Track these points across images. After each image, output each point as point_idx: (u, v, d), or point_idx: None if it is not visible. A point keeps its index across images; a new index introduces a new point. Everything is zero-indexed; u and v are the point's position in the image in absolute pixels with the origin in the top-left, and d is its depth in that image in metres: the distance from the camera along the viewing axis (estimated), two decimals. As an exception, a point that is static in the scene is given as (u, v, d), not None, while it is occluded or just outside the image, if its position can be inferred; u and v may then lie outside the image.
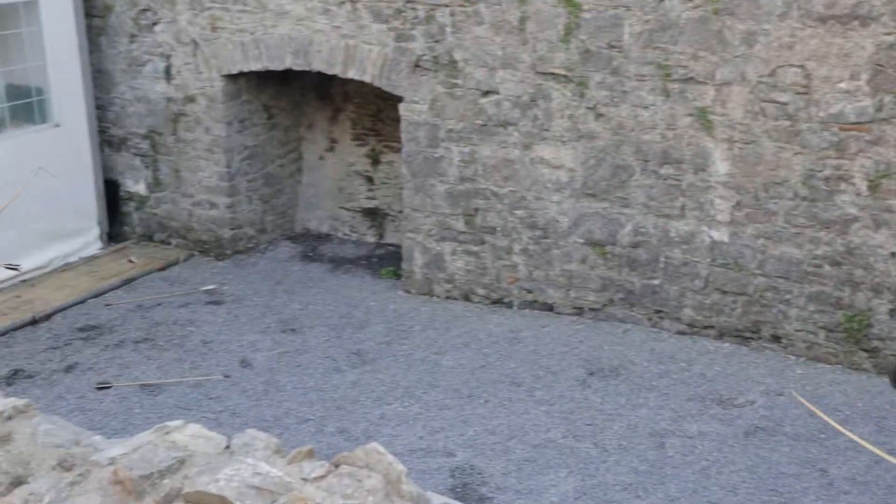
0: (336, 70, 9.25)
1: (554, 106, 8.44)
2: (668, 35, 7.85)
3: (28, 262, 9.68)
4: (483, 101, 8.71)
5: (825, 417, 6.77)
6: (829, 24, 7.23)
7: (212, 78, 9.93)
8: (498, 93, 8.64)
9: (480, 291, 9.29)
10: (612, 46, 8.07)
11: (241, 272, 10.13)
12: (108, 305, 9.27)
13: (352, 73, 9.19)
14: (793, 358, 8.16)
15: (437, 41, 8.73)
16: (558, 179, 8.63)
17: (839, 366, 8.01)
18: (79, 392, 7.71)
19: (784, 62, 7.46)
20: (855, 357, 7.91)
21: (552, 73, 8.36)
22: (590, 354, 8.30)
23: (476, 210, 9.06)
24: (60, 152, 9.95)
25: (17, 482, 2.91)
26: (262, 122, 10.45)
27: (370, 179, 10.82)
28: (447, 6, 8.58)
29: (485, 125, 8.77)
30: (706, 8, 7.62)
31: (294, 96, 10.73)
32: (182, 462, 2.73)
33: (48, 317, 8.97)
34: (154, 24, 10.08)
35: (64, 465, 2.92)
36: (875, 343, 7.80)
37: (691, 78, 7.86)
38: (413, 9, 8.74)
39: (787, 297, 8.02)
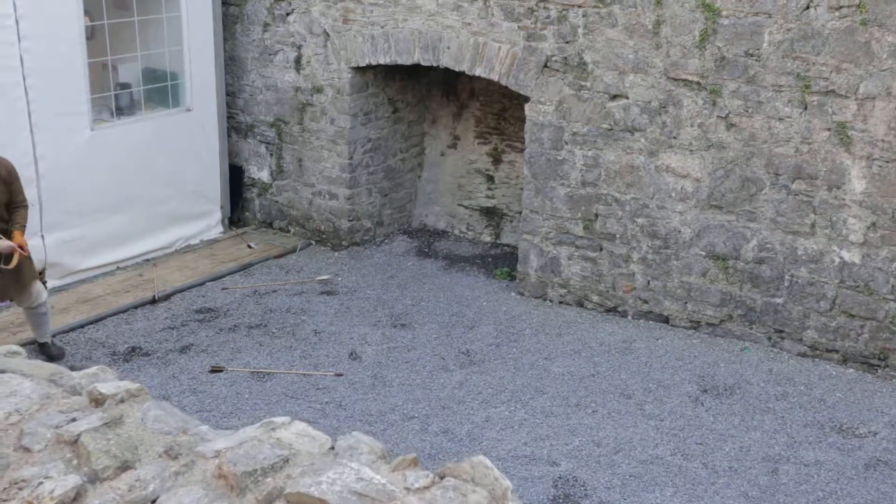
0: (464, 67, 9.20)
1: (684, 113, 8.19)
2: (810, 45, 7.52)
3: (151, 243, 9.94)
4: (611, 105, 8.52)
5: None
6: None
7: (340, 69, 10.00)
8: (627, 97, 8.44)
9: (595, 298, 9.10)
10: (750, 54, 7.78)
11: (356, 264, 10.19)
12: (224, 289, 9.44)
13: (479, 71, 9.11)
14: (924, 390, 7.74)
15: (567, 42, 8.58)
16: (683, 189, 8.38)
17: (975, 402, 7.55)
18: (192, 373, 7.86)
19: (934, 79, 7.07)
20: None
21: (684, 80, 8.12)
22: (704, 371, 8.04)
23: (596, 215, 8.88)
24: (190, 136, 10.18)
25: (125, 467, 2.93)
26: (386, 116, 10.48)
27: (490, 178, 10.74)
28: (580, 7, 8.42)
29: (611, 130, 8.58)
30: (853, 18, 7.27)
31: (420, 91, 10.73)
32: (286, 461, 2.69)
33: (167, 297, 9.18)
34: (288, 14, 10.21)
35: (170, 454, 2.92)
36: None
37: (832, 91, 7.51)
38: (545, 8, 8.61)
39: (921, 326, 7.61)
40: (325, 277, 9.76)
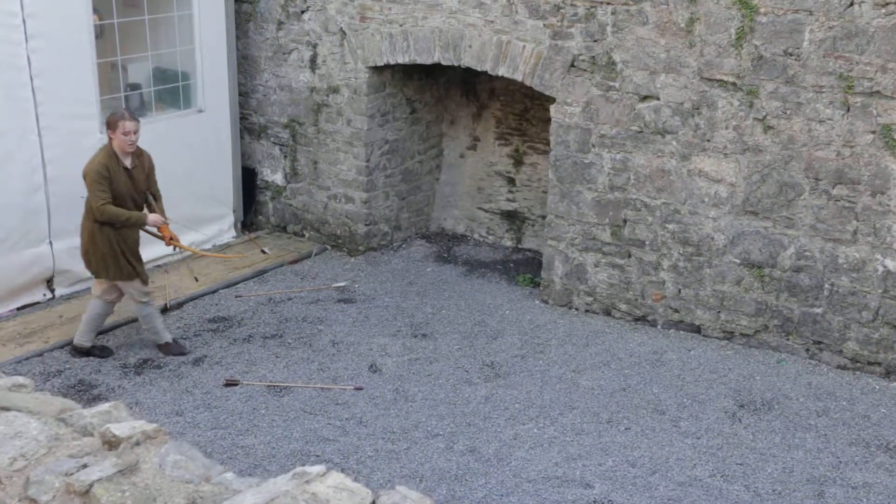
0: (486, 67, 8.85)
1: (719, 115, 7.84)
2: (853, 43, 7.16)
3: (162, 248, 9.59)
4: (641, 106, 8.17)
5: None
6: None
7: (357, 69, 9.66)
8: (658, 98, 8.08)
9: (623, 307, 8.76)
10: (789, 54, 7.42)
11: (373, 270, 9.86)
12: (238, 297, 9.12)
13: (502, 71, 8.77)
14: (970, 405, 7.38)
15: (595, 41, 8.23)
16: (717, 194, 8.03)
17: None
18: (205, 387, 7.54)
19: None
20: None
21: (719, 80, 7.77)
22: (740, 384, 7.70)
23: (624, 221, 8.54)
24: (202, 138, 9.86)
25: (142, 527, 2.60)
26: (404, 117, 10.14)
27: (511, 181, 10.40)
28: (609, 4, 8.07)
29: (640, 132, 8.24)
30: (901, 15, 6.91)
31: (438, 91, 10.39)
32: (325, 527, 2.36)
33: (180, 305, 8.86)
34: (303, 11, 9.88)
35: (193, 512, 2.60)
36: None
37: (877, 92, 7.15)
38: (572, 5, 8.26)
39: (969, 338, 7.25)
40: (342, 284, 9.43)
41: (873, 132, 7.26)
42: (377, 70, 9.67)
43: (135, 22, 9.27)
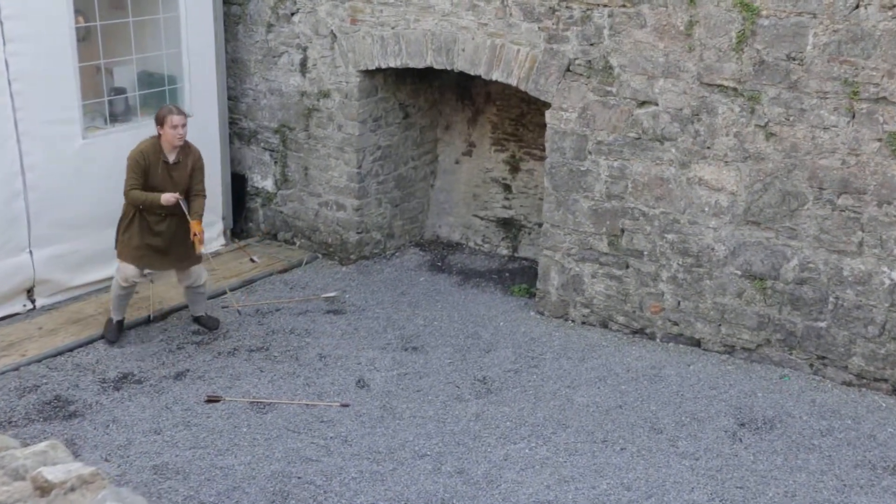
0: (479, 71, 8.58)
1: (719, 121, 7.56)
2: (859, 47, 6.86)
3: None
4: (638, 112, 7.89)
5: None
6: None
7: (348, 73, 9.40)
8: (656, 104, 7.80)
9: (620, 319, 8.48)
10: (792, 58, 7.13)
11: (364, 279, 9.58)
12: (224, 307, 8.85)
13: (496, 75, 8.49)
14: (982, 424, 7.09)
15: (592, 44, 7.95)
16: (717, 203, 7.75)
17: None
18: (186, 403, 7.27)
19: None
20: None
21: (720, 85, 7.48)
22: (740, 401, 7.41)
23: (622, 231, 8.26)
24: (189, 143, 9.59)
25: None
26: (397, 122, 9.87)
27: (507, 188, 10.12)
28: (606, 6, 7.79)
29: (638, 139, 7.95)
30: (909, 19, 6.62)
31: (432, 95, 10.11)
32: None
33: (164, 316, 8.60)
34: (292, 14, 9.62)
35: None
36: None
37: (884, 98, 6.86)
38: (568, 8, 7.97)
39: (980, 354, 6.96)
40: (332, 295, 9.16)
41: (879, 140, 6.97)
42: (369, 74, 9.40)
43: (119, 24, 9.01)
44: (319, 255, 10.06)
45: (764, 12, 7.16)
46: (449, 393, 7.54)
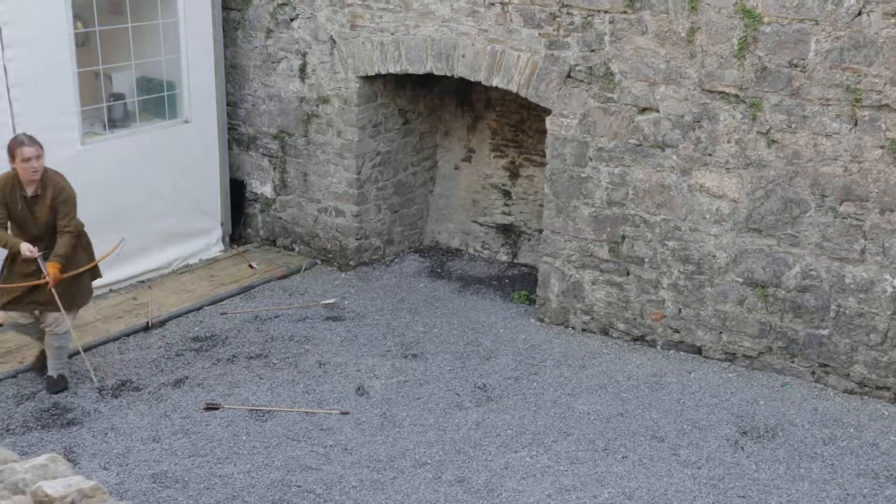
0: (480, 77, 8.55)
1: (720, 128, 7.53)
2: (861, 54, 6.84)
3: (147, 263, 9.32)
4: (640, 118, 7.86)
5: None
6: None
7: (347, 79, 9.36)
8: (657, 110, 7.77)
9: (621, 326, 8.44)
10: (794, 65, 7.10)
11: (363, 286, 9.54)
12: (223, 314, 8.81)
13: (497, 81, 8.46)
14: (983, 432, 7.06)
15: (592, 50, 7.92)
16: (719, 210, 7.72)
17: None
18: (185, 411, 7.22)
19: None
20: None
21: (721, 92, 7.45)
22: (742, 409, 7.37)
23: (623, 238, 8.22)
24: (188, 149, 9.57)
25: None
26: (396, 128, 9.84)
27: (507, 194, 10.08)
28: (607, 12, 7.76)
29: (639, 145, 7.92)
30: (912, 26, 6.60)
31: (432, 101, 10.08)
32: None
33: (162, 323, 8.56)
34: (292, 19, 9.58)
35: None
36: None
37: (886, 105, 6.84)
38: (569, 14, 7.95)
39: (983, 362, 6.93)
40: (331, 301, 9.12)
41: (882, 147, 6.94)
42: (368, 80, 9.37)
43: (118, 30, 8.98)
44: (318, 262, 10.02)
45: (766, 19, 7.14)
46: (449, 401, 7.50)
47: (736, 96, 7.42)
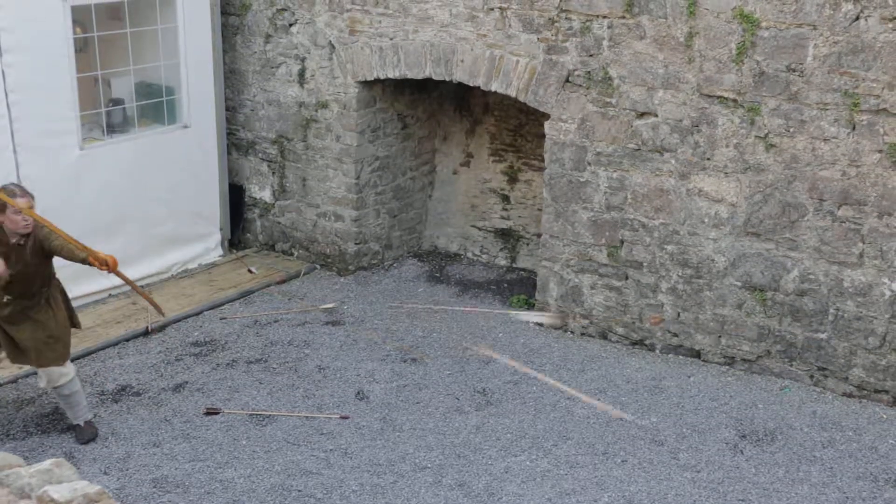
0: (478, 82, 8.57)
1: (719, 133, 7.55)
2: (859, 59, 6.87)
3: (146, 268, 9.32)
4: (638, 123, 7.89)
5: None
6: None
7: (346, 84, 9.38)
8: (656, 115, 7.80)
9: (620, 330, 8.46)
10: (792, 69, 7.13)
11: (363, 290, 9.55)
12: (223, 319, 8.82)
13: (495, 86, 8.48)
14: (983, 435, 7.08)
15: (591, 55, 7.94)
16: (717, 214, 7.74)
17: None
18: (185, 416, 7.23)
19: None
20: None
21: (719, 97, 7.48)
22: (741, 413, 7.39)
23: (621, 242, 8.24)
24: (187, 154, 9.58)
25: None
26: (395, 133, 9.85)
27: (506, 198, 10.10)
28: (605, 17, 7.79)
29: (638, 150, 7.95)
30: (909, 30, 6.63)
31: (430, 106, 10.10)
32: None
33: (161, 328, 8.56)
34: (291, 24, 9.60)
35: None
36: None
37: (884, 109, 6.86)
38: (568, 19, 7.97)
39: (981, 365, 6.95)
40: (331, 306, 9.13)
41: (880, 151, 6.97)
42: (367, 85, 9.39)
43: (117, 35, 8.99)
44: (317, 266, 10.03)
45: (764, 24, 7.16)
46: (449, 405, 7.51)
47: (734, 101, 7.44)
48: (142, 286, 9.13)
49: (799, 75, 7.13)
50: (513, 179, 10.02)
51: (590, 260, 8.44)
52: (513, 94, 8.46)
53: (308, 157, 9.85)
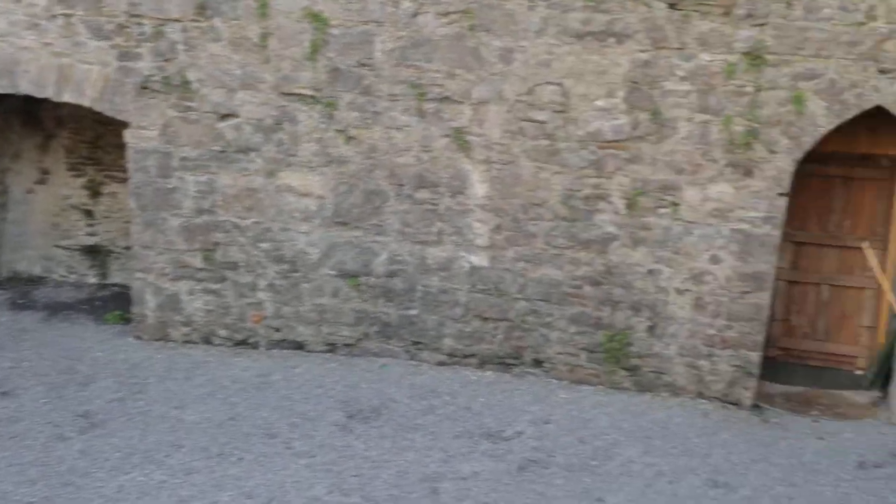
0: (48, 93, 8.11)
1: (300, 129, 7.80)
2: (421, 52, 7.43)
3: None
4: (221, 125, 7.92)
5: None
6: (586, 41, 7.09)
7: None
8: (238, 116, 7.87)
9: (222, 333, 8.44)
10: (363, 64, 7.55)
11: (-65, 326, 8.67)
12: None
13: (67, 97, 8.08)
14: (555, 382, 7.97)
15: (167, 60, 7.84)
16: (307, 208, 7.99)
17: (601, 386, 7.89)
18: None
19: (542, 80, 7.25)
20: (616, 377, 7.82)
21: (298, 94, 7.72)
22: (347, 395, 7.69)
23: (215, 244, 8.22)
24: None
25: None
26: (-44, 152, 9.05)
27: (90, 213, 9.66)
28: (178, 21, 7.72)
29: (223, 152, 7.98)
30: (462, 24, 7.27)
31: (-5, 122, 9.39)
32: None
33: None
34: None
35: None
36: (635, 361, 7.74)
37: (447, 97, 7.48)
38: (139, 24, 7.80)
39: (549, 319, 7.81)
40: None
41: (447, 136, 7.58)
42: (-83, 100, 8.54)
43: None
44: None
45: (334, 22, 7.50)
46: (49, 433, 7.04)
47: (312, 97, 7.72)
48: None
49: (370, 70, 7.56)
50: (95, 193, 9.60)
51: (185, 266, 8.33)
52: (87, 103, 8.12)
53: None
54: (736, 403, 7.62)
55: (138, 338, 8.56)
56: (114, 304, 9.26)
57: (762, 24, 6.76)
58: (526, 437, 7.15)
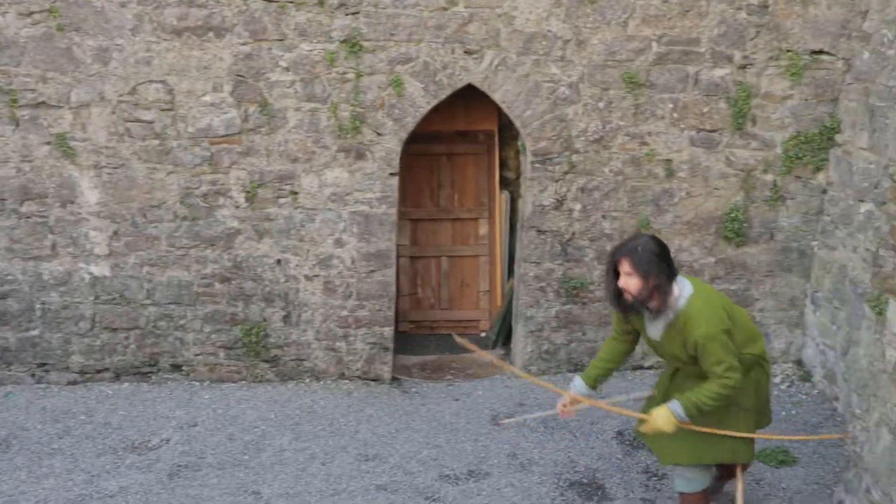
0: None
1: None
2: (7, 56, 6.95)
3: None
4: None
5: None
6: (185, 37, 6.98)
7: None
8: None
9: None
10: (-59, 72, 6.92)
11: None
12: None
13: None
14: (197, 384, 7.87)
15: None
16: None
17: (244, 381, 7.91)
18: None
19: (144, 78, 7.05)
20: (258, 370, 7.86)
21: None
22: (-30, 431, 7.10)
23: None
24: None
25: None
26: None
27: None
28: None
29: None
30: (48, 24, 6.88)
31: None
32: None
33: None
34: None
35: None
36: (274, 352, 7.82)
37: (43, 102, 7.07)
38: None
39: (182, 322, 7.68)
40: None
41: (49, 143, 7.18)
42: None
43: None
44: None
45: None
46: None
47: None
48: None
49: (-50, 78, 6.96)
50: None
51: None
52: None
53: None
54: (376, 379, 7.95)
55: None
56: None
57: (355, 13, 7.04)
58: (173, 444, 7.01)
